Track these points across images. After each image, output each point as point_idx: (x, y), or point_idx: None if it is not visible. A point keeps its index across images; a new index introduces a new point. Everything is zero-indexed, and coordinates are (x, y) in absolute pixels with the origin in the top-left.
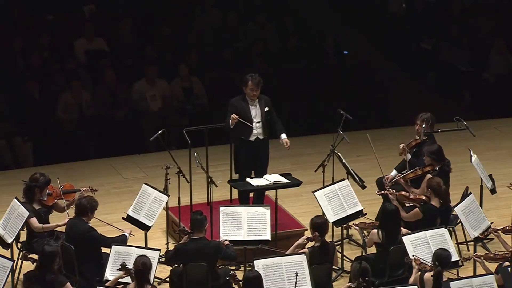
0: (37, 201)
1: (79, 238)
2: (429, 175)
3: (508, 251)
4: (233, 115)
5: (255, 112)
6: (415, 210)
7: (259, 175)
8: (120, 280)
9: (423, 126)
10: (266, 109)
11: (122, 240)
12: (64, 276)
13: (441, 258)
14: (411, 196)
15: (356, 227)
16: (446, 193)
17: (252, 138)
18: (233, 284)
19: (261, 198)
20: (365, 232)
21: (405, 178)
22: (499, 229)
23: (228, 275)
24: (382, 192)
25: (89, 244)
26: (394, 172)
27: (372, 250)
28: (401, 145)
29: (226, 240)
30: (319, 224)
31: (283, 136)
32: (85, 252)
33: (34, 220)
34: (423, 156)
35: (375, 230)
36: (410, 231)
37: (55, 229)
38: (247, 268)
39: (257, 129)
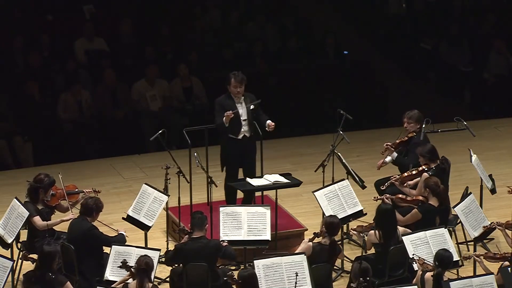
0: (40, 201)
1: (81, 236)
2: (426, 174)
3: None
4: (228, 112)
5: (242, 110)
6: (413, 212)
7: (248, 172)
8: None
9: (423, 126)
10: (252, 107)
11: (121, 240)
12: (64, 276)
13: (443, 258)
14: (408, 198)
15: (355, 232)
16: (444, 192)
17: (240, 136)
18: (233, 284)
19: (250, 199)
20: (364, 235)
21: (401, 179)
22: (503, 224)
23: (225, 275)
24: (378, 198)
25: (90, 242)
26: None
27: (372, 250)
28: (385, 145)
29: (223, 241)
30: (331, 223)
31: (268, 121)
32: (86, 251)
33: (37, 219)
34: (413, 153)
35: (372, 231)
36: (409, 231)
37: (56, 229)
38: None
39: (244, 127)
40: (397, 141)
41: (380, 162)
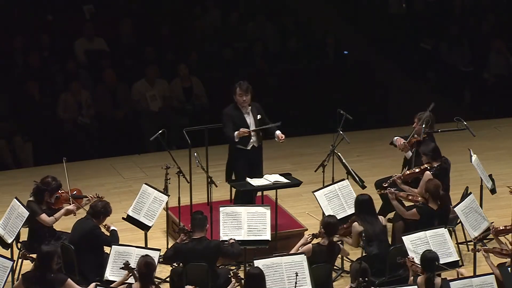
0: (44, 203)
1: (84, 234)
2: (428, 173)
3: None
4: (244, 129)
5: (250, 121)
6: (413, 211)
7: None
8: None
9: (423, 126)
10: (259, 117)
11: (116, 236)
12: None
13: (425, 260)
14: (409, 197)
15: (336, 236)
16: (444, 196)
17: (249, 147)
18: (236, 282)
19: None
20: (346, 238)
21: (403, 177)
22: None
23: (230, 274)
24: (382, 191)
25: (91, 241)
26: (396, 137)
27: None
28: (402, 142)
29: (232, 238)
30: (329, 223)
31: (278, 132)
32: (87, 251)
33: (44, 216)
34: (418, 155)
35: (356, 223)
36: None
37: (57, 229)
38: (248, 267)
39: (253, 138)
40: (413, 140)
41: (400, 142)
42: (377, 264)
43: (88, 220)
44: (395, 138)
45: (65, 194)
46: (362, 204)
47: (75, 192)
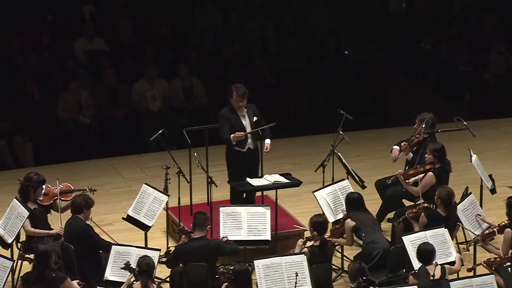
0: (32, 200)
1: (76, 236)
2: (431, 174)
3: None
4: (239, 133)
5: (246, 123)
6: (420, 219)
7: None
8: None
9: (422, 126)
10: (255, 119)
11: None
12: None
13: (419, 252)
14: (414, 210)
15: (330, 238)
16: (454, 207)
17: (245, 149)
18: (223, 281)
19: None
20: (340, 239)
21: (406, 175)
22: (479, 235)
23: (217, 273)
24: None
25: (86, 241)
26: (396, 147)
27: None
28: (403, 144)
29: (224, 237)
30: (318, 223)
31: (267, 141)
32: (84, 251)
33: (26, 222)
34: (424, 155)
35: (348, 219)
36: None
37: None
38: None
39: (249, 140)
40: (415, 140)
41: (396, 154)
42: (377, 258)
43: (76, 219)
44: (394, 147)
45: (54, 189)
46: (353, 201)
47: (61, 186)
